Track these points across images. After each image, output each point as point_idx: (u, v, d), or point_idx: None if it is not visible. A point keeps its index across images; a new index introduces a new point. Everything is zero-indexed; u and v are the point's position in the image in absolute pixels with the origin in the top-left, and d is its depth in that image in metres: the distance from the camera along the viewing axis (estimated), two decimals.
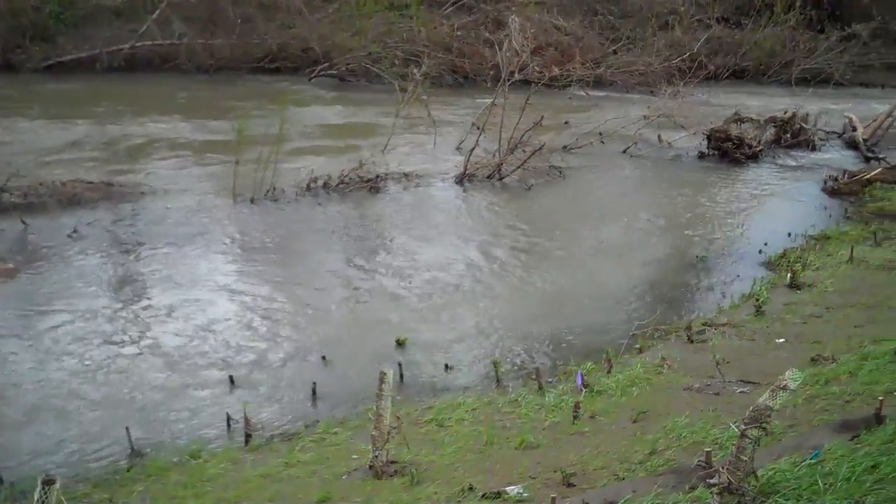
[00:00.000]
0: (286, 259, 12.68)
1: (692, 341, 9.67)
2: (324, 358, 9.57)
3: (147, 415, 8.39)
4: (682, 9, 30.06)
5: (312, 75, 25.15)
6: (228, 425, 8.17)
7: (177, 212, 14.06)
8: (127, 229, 13.30)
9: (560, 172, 16.91)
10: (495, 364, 9.29)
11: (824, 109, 22.13)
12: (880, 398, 6.08)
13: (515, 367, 9.66)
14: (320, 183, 15.39)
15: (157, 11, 24.41)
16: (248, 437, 7.89)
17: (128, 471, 7.34)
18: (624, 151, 18.67)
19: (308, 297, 11.26)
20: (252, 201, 14.60)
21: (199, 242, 12.92)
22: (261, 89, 23.12)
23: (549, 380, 9.05)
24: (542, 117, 17.47)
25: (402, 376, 9.09)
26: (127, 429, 7.72)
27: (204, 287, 11.41)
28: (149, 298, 11.05)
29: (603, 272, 12.67)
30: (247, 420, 7.95)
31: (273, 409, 8.67)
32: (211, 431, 8.19)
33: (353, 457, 7.21)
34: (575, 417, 7.56)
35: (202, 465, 7.34)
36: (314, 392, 8.83)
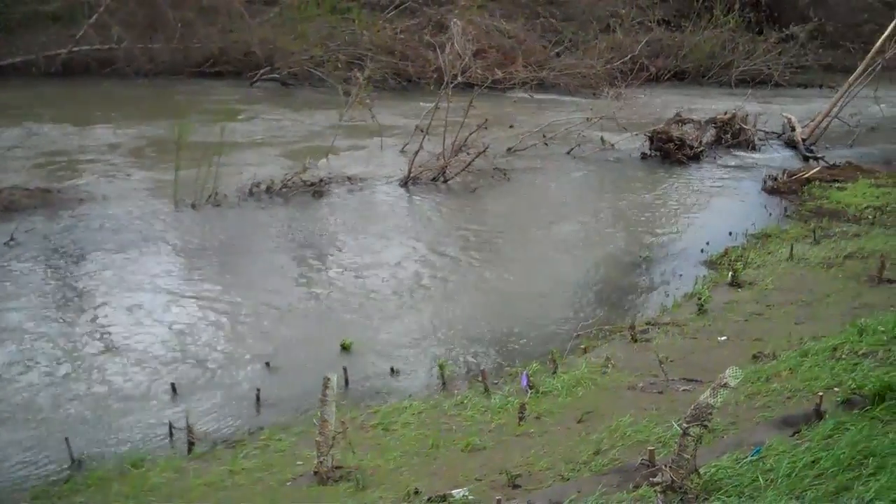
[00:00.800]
0: (229, 264, 12.55)
1: (636, 340, 9.74)
2: (268, 364, 9.46)
3: (87, 424, 8.21)
4: (624, 12, 30.33)
5: (254, 79, 24.94)
6: (171, 433, 8.01)
7: (117, 218, 13.82)
8: (66, 236, 13.05)
9: (504, 174, 16.96)
10: (441, 366, 9.26)
11: (764, 110, 22.46)
12: (820, 394, 6.17)
13: (462, 369, 9.64)
14: (263, 187, 15.25)
15: (95, 16, 24.00)
16: (190, 445, 7.76)
17: (66, 482, 7.19)
18: (568, 153, 18.78)
19: (251, 302, 11.14)
20: (194, 207, 14.42)
21: (139, 249, 12.71)
22: (202, 94, 22.90)
23: (496, 381, 9.04)
24: (487, 120, 17.52)
25: (347, 381, 9.02)
26: (66, 439, 7.56)
27: (145, 294, 11.22)
28: (88, 306, 10.84)
29: (548, 273, 12.72)
30: (189, 428, 7.81)
31: (216, 416, 8.54)
32: (153, 440, 8.03)
33: (298, 463, 7.14)
34: (521, 419, 7.56)
35: (144, 474, 7.20)
36: (258, 398, 8.71)
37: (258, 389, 8.79)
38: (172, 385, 8.90)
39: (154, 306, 10.87)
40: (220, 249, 13.02)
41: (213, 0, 26.62)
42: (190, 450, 7.71)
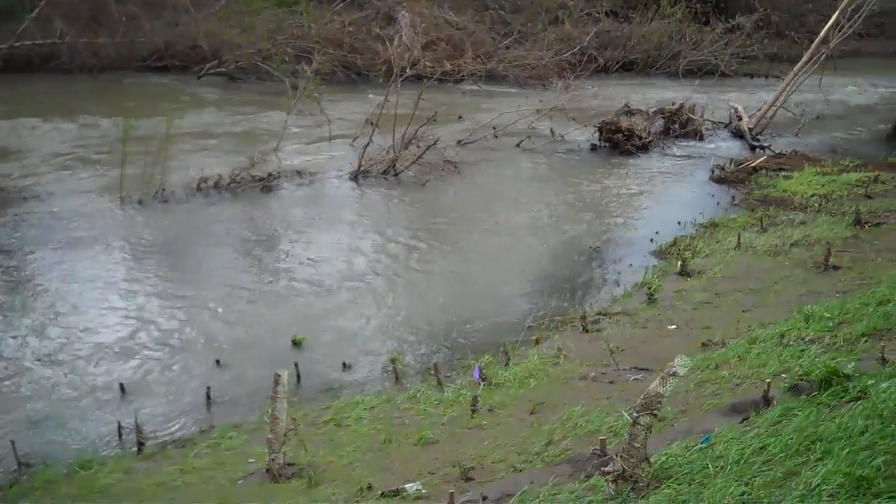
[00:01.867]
0: (177, 261, 12.41)
1: (587, 331, 9.79)
2: (218, 361, 9.38)
3: (34, 427, 8.08)
4: (572, 3, 30.38)
5: (201, 73, 24.66)
6: (120, 434, 7.92)
7: (62, 216, 13.61)
8: (10, 234, 12.83)
9: (455, 167, 16.94)
10: (393, 360, 9.24)
11: (711, 100, 22.67)
12: (768, 380, 6.24)
13: (415, 363, 9.63)
14: (211, 183, 15.09)
15: (37, 10, 23.53)
16: (140, 444, 7.67)
17: (12, 486, 7.06)
18: (517, 145, 18.80)
19: (201, 298, 11.03)
20: (140, 203, 14.23)
21: (85, 247, 12.53)
22: (148, 88, 22.61)
23: (448, 374, 9.04)
24: (436, 112, 17.50)
25: (298, 377, 8.97)
26: (12, 442, 7.42)
27: (91, 293, 11.06)
28: (34, 305, 10.67)
29: (500, 265, 12.74)
30: (138, 427, 7.73)
31: (166, 415, 8.45)
32: (102, 441, 7.94)
33: (250, 461, 7.09)
34: (473, 411, 7.58)
35: (93, 475, 7.10)
36: (208, 396, 8.64)
37: (208, 387, 8.71)
38: (121, 385, 8.80)
39: (100, 305, 10.74)
40: (167, 246, 12.86)
41: None
42: (140, 450, 7.62)
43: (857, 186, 15.40)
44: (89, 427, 8.16)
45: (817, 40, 21.81)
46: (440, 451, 6.85)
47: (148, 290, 11.31)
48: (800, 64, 21.56)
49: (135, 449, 7.64)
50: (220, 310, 10.72)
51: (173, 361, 9.45)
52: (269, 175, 15.69)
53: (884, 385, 5.64)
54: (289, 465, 6.66)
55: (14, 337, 9.78)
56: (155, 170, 14.55)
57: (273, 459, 6.57)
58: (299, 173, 16.09)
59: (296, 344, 9.77)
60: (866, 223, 12.85)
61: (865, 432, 4.93)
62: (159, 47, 25.38)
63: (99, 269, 11.86)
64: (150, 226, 13.61)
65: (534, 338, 9.90)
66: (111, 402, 8.60)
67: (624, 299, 11.10)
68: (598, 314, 10.46)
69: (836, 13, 21.84)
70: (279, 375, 6.56)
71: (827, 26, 21.75)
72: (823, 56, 21.40)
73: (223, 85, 24.32)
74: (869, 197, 14.64)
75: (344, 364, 9.42)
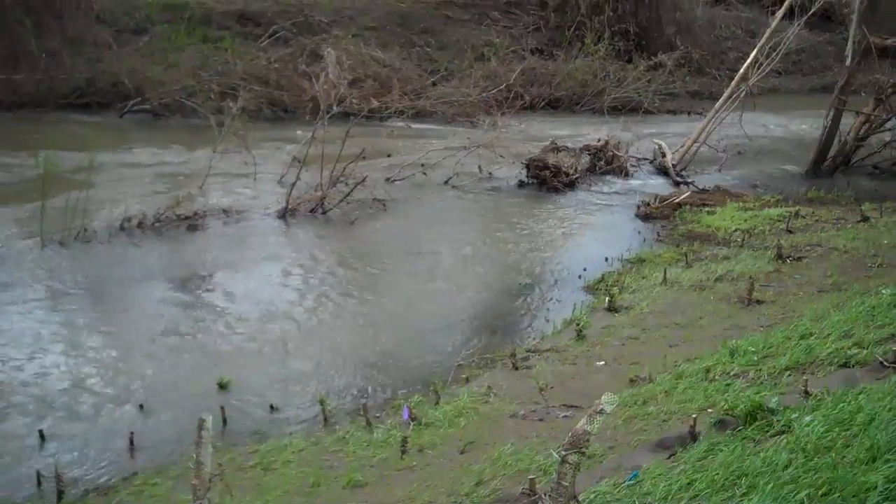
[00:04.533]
0: (99, 303, 12.13)
1: (517, 368, 9.78)
2: (141, 406, 9.17)
3: None
4: (497, 41, 30.76)
5: (124, 111, 24.28)
6: (39, 482, 7.68)
7: None
8: None
9: (383, 205, 16.90)
10: (322, 402, 9.12)
11: (636, 136, 23.02)
12: (694, 416, 6.28)
13: (344, 404, 9.52)
14: (135, 222, 14.79)
15: None
16: (60, 494, 7.46)
17: None
18: (446, 182, 18.83)
19: (124, 342, 10.80)
20: (61, 244, 13.89)
21: (2, 289, 12.18)
22: (69, 126, 22.16)
23: (378, 415, 8.97)
24: (364, 150, 17.47)
25: (225, 420, 8.81)
26: None
27: (9, 336, 10.76)
28: None
29: (429, 303, 12.71)
30: (58, 476, 7.51)
31: (88, 462, 8.23)
32: (20, 490, 7.70)
33: None
34: (403, 452, 7.51)
35: None
36: (132, 442, 8.43)
37: (132, 433, 8.51)
38: (40, 432, 8.55)
39: (19, 350, 10.44)
40: (89, 288, 12.57)
41: (79, 29, 25.89)
42: (60, 498, 7.42)
43: (779, 221, 15.71)
44: (6, 475, 7.91)
45: (737, 77, 22.35)
46: (369, 495, 6.76)
47: (69, 333, 11.03)
48: (721, 101, 22.03)
49: (54, 498, 7.41)
50: (144, 353, 10.50)
51: (95, 407, 9.22)
52: (195, 214, 15.45)
53: (807, 419, 5.72)
54: None
55: None
56: (76, 209, 14.23)
57: None
58: (225, 212, 15.88)
59: (222, 386, 9.59)
60: (788, 258, 13.11)
61: (789, 466, 4.98)
62: (81, 84, 24.91)
63: (18, 313, 11.54)
64: (71, 267, 13.29)
65: (464, 376, 9.87)
66: (30, 450, 8.35)
67: (553, 336, 11.14)
68: (527, 351, 10.47)
69: (755, 51, 22.44)
70: (203, 420, 6.39)
71: (746, 64, 22.32)
72: (743, 93, 21.91)
73: (147, 122, 23.97)
74: (790, 232, 14.96)
75: (272, 406, 9.28)
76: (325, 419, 8.99)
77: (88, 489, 7.70)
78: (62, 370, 9.96)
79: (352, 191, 16.57)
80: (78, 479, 7.84)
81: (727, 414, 6.31)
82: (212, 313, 11.90)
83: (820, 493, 4.56)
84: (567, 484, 4.92)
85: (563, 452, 4.95)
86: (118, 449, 8.44)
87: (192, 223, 15.23)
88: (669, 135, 23.58)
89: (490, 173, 19.56)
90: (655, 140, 22.38)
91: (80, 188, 14.49)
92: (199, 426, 6.44)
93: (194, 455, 6.48)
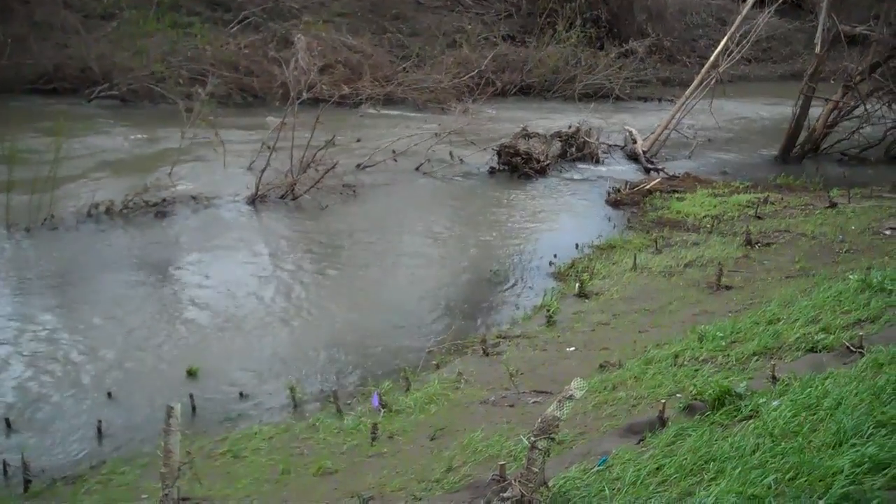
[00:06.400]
0: (66, 291, 11.99)
1: (488, 354, 9.80)
2: (109, 394, 9.09)
3: None
4: (469, 27, 30.70)
5: (91, 96, 23.99)
6: (5, 471, 7.61)
7: None
8: None
9: (354, 191, 16.84)
10: (292, 389, 9.09)
11: (606, 123, 23.06)
12: (663, 401, 6.32)
13: (314, 391, 9.48)
14: (102, 209, 14.65)
15: None
16: (27, 482, 7.39)
17: None
18: (417, 169, 18.79)
19: (91, 329, 10.69)
20: (28, 230, 13.74)
21: None
22: (36, 112, 21.85)
23: (349, 402, 8.95)
24: (335, 136, 17.37)
25: (194, 408, 8.76)
26: None
27: None
28: None
29: (400, 290, 12.69)
30: (25, 464, 7.43)
31: (55, 450, 8.15)
32: None
33: (143, 496, 6.90)
34: (373, 439, 7.50)
35: None
36: (100, 430, 8.36)
37: (99, 421, 8.44)
38: (6, 420, 8.46)
39: None
40: (56, 275, 12.42)
41: (46, 14, 25.53)
42: (26, 488, 7.35)
43: (748, 207, 15.81)
44: None
45: (707, 65, 22.49)
46: (339, 482, 6.75)
47: (35, 321, 10.90)
48: (691, 88, 22.14)
49: (21, 487, 7.34)
50: (111, 340, 10.40)
51: (62, 394, 9.12)
52: (163, 200, 15.33)
53: (774, 404, 5.77)
54: (183, 499, 6.45)
55: None
56: (43, 196, 14.06)
57: (167, 495, 6.35)
58: (194, 198, 15.75)
59: (190, 374, 9.53)
60: (757, 243, 13.20)
61: (757, 451, 5.02)
62: (48, 70, 24.58)
63: None
64: (38, 254, 13.15)
65: (434, 362, 9.87)
66: None
67: (524, 322, 11.15)
68: (498, 337, 10.48)
69: (725, 38, 22.57)
70: (171, 408, 6.35)
71: (717, 51, 22.45)
72: (714, 80, 22.03)
73: (115, 108, 23.69)
74: (759, 218, 15.05)
75: (241, 394, 9.23)
76: (295, 406, 8.97)
77: (56, 478, 7.63)
78: (28, 358, 9.84)
79: (322, 177, 16.49)
80: (45, 467, 7.76)
81: (696, 399, 6.36)
82: (180, 300, 11.82)
83: (787, 477, 4.60)
84: (537, 470, 4.93)
85: (533, 438, 4.96)
86: (86, 437, 8.37)
87: (161, 209, 15.11)
88: (640, 121, 23.66)
89: (461, 160, 19.54)
90: (626, 126, 22.46)
91: (47, 175, 14.29)
92: (167, 414, 6.39)
93: (163, 443, 6.45)
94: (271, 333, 10.89)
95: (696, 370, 7.56)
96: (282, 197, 16.25)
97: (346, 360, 10.20)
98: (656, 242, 13.90)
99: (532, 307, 11.72)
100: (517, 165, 19.04)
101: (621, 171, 20.10)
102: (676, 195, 17.44)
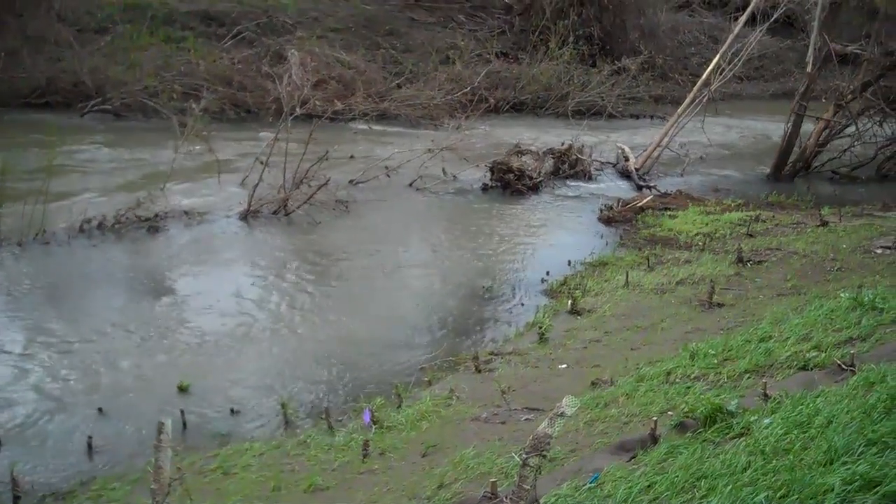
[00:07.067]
0: (58, 306, 11.97)
1: (480, 371, 9.79)
2: (100, 409, 9.06)
3: None
4: (463, 44, 30.77)
5: (85, 111, 23.98)
6: None
7: None
8: None
9: (346, 207, 16.83)
10: (283, 405, 9.08)
11: (599, 140, 23.12)
12: (655, 418, 6.30)
13: (305, 408, 9.47)
14: (95, 223, 14.62)
15: None
16: (16, 499, 7.35)
17: None
18: (410, 185, 18.80)
19: (82, 345, 10.66)
20: (19, 245, 13.70)
21: None
22: (29, 126, 21.81)
23: (340, 418, 8.94)
24: (328, 152, 17.38)
25: (185, 424, 8.74)
26: None
27: None
28: None
29: (392, 306, 12.67)
30: (14, 480, 7.39)
31: (45, 467, 8.12)
32: None
33: None
34: (364, 456, 7.48)
35: None
36: (90, 446, 8.34)
37: (90, 437, 8.42)
38: None
39: None
40: (47, 291, 12.40)
41: (39, 28, 25.55)
42: None
43: (740, 225, 15.85)
44: None
45: (699, 83, 22.57)
46: (330, 499, 6.73)
47: (26, 336, 10.88)
48: (683, 106, 22.22)
49: (10, 503, 7.30)
50: (103, 356, 10.37)
51: (53, 410, 9.09)
52: (156, 215, 15.32)
53: (766, 421, 5.76)
54: None
55: None
56: (35, 210, 14.04)
57: None
58: (187, 213, 15.74)
59: (182, 390, 9.51)
60: (748, 261, 13.23)
61: (748, 468, 5.02)
62: (41, 83, 24.56)
63: None
64: (29, 269, 13.10)
65: (426, 379, 9.86)
66: None
67: (516, 339, 11.15)
68: (490, 354, 10.47)
69: (717, 56, 22.66)
70: (162, 423, 6.33)
71: (709, 69, 22.52)
72: (706, 98, 22.13)
73: (108, 122, 23.65)
74: (751, 235, 15.09)
75: (232, 410, 9.21)
76: (287, 423, 8.95)
77: (45, 494, 7.60)
78: (18, 373, 9.81)
79: (315, 193, 16.48)
80: (35, 483, 7.72)
81: (687, 416, 6.36)
82: (172, 316, 11.78)
83: (778, 494, 4.60)
84: (528, 487, 4.91)
85: (525, 455, 4.95)
86: (76, 453, 8.34)
87: (153, 225, 15.09)
88: (632, 139, 23.71)
89: (454, 176, 19.57)
90: (619, 144, 22.50)
91: (39, 189, 14.28)
92: (158, 430, 6.37)
93: (154, 459, 6.43)
94: (263, 349, 10.88)
95: (688, 387, 7.55)
96: (274, 212, 16.24)
97: (337, 377, 10.18)
98: (648, 260, 13.92)
99: (524, 324, 11.72)
100: (510, 182, 19.07)
101: (614, 188, 20.13)
102: (668, 213, 17.47)
